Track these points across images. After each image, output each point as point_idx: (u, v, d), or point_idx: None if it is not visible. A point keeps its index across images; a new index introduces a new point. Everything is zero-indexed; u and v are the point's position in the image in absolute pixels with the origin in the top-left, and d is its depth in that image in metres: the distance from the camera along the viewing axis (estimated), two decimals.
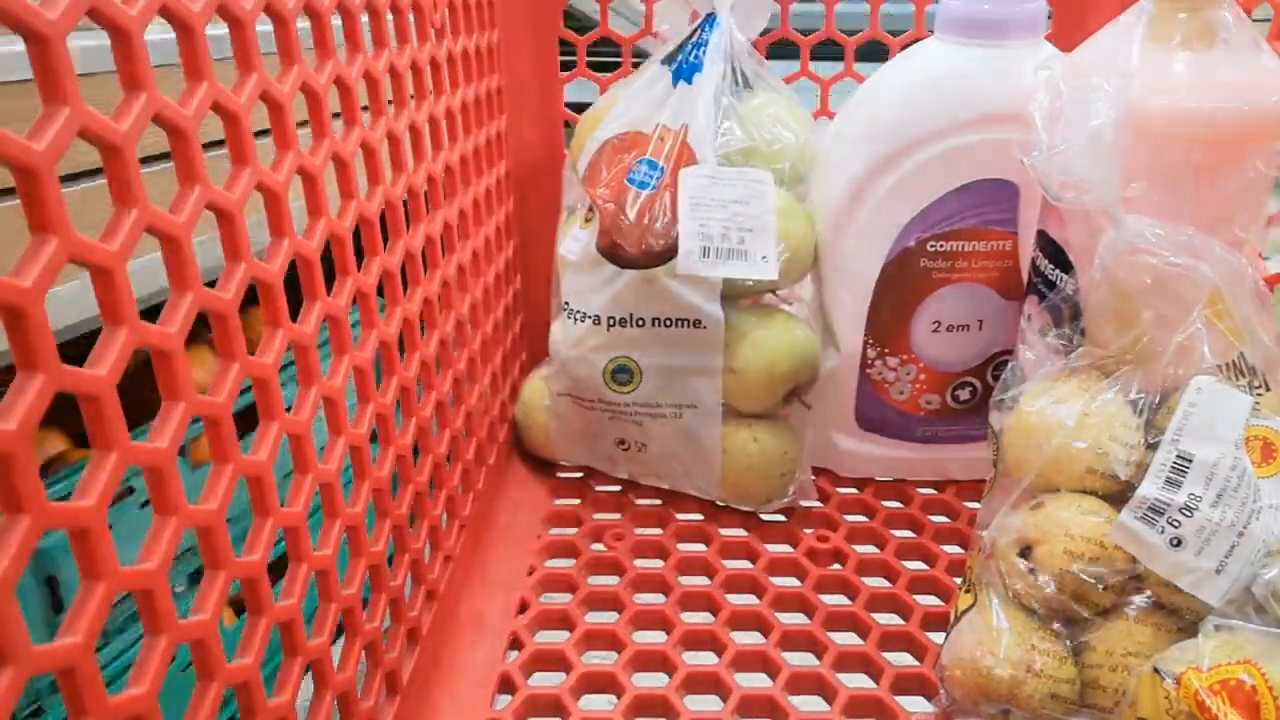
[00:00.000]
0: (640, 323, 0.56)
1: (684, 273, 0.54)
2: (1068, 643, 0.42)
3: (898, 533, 0.60)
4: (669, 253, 0.54)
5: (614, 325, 0.57)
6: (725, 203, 0.55)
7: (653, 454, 0.61)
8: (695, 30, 0.59)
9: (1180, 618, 0.40)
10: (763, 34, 0.64)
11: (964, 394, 0.61)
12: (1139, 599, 0.41)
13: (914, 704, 0.47)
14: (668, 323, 0.56)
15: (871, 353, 0.60)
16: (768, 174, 0.57)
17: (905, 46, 0.60)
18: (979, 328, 0.59)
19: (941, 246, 0.56)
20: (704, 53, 0.58)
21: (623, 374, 0.58)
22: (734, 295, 0.57)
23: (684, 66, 0.59)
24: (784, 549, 0.58)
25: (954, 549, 0.58)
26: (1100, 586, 0.40)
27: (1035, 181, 0.43)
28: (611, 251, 0.56)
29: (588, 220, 0.58)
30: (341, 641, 0.40)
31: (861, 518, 0.62)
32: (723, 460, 0.59)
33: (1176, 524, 0.38)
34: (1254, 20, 0.45)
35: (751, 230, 0.55)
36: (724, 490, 0.61)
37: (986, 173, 0.54)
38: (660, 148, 0.57)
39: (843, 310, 0.60)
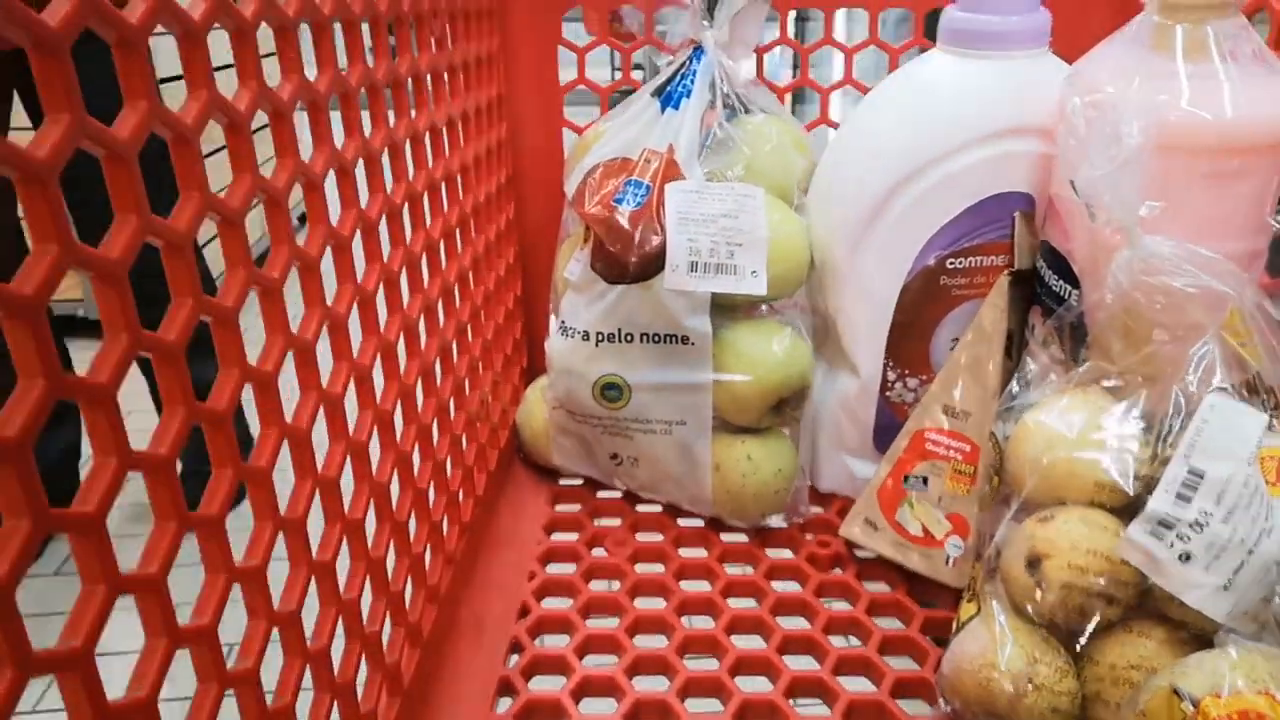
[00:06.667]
0: (629, 338, 0.56)
1: (672, 288, 0.54)
2: (1070, 655, 0.42)
3: None
4: (657, 268, 0.54)
5: (603, 341, 0.56)
6: (713, 217, 0.54)
7: (645, 469, 0.61)
8: (684, 62, 0.60)
9: (1186, 632, 0.40)
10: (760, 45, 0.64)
11: None
12: (1144, 612, 0.41)
13: (915, 708, 0.47)
14: (655, 338, 0.56)
15: (891, 374, 0.59)
16: (758, 188, 0.56)
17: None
18: None
19: (961, 263, 0.55)
20: (693, 81, 0.58)
21: (612, 390, 0.57)
22: (725, 305, 0.56)
23: (672, 95, 0.59)
24: (785, 554, 0.58)
25: None
26: (1107, 601, 0.40)
27: (1083, 207, 0.42)
28: (600, 268, 0.55)
29: (585, 240, 0.58)
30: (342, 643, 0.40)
31: None
32: (716, 476, 0.58)
33: (1186, 539, 0.38)
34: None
35: (741, 245, 0.54)
36: (717, 507, 0.60)
37: (1002, 186, 0.53)
38: (646, 169, 0.57)
39: (861, 333, 0.58)
